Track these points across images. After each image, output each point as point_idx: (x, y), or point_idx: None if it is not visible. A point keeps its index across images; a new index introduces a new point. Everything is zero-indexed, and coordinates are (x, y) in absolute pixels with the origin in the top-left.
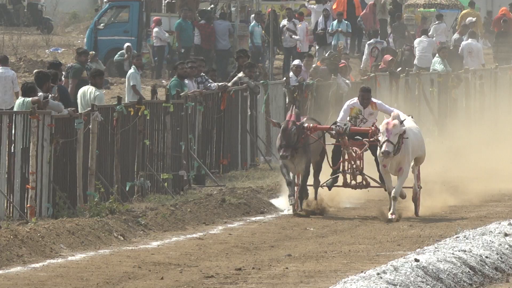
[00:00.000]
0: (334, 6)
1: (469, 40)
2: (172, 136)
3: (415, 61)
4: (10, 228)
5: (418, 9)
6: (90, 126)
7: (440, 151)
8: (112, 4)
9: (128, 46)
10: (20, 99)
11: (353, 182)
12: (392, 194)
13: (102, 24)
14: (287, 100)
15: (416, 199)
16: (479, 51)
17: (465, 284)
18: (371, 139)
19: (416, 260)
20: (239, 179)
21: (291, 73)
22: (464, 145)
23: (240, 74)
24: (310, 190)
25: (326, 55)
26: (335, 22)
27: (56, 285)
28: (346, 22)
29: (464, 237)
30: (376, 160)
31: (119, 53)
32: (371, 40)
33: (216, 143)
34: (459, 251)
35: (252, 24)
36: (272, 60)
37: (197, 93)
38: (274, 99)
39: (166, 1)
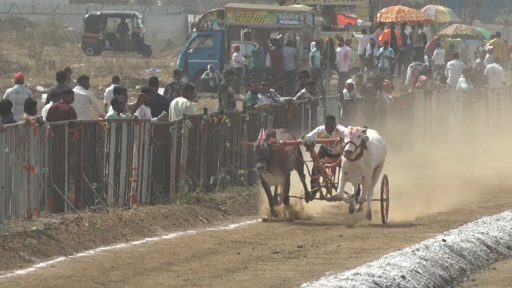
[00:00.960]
0: (380, 38)
1: (493, 64)
2: (248, 140)
3: (448, 80)
4: (116, 213)
5: (448, 39)
6: (182, 131)
7: (466, 151)
8: (200, 33)
9: (210, 66)
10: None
11: (329, 196)
12: (359, 200)
13: (191, 49)
14: (341, 112)
15: (382, 206)
16: (500, 72)
17: (483, 259)
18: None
19: (444, 240)
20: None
21: (344, 90)
22: (484, 148)
23: (303, 90)
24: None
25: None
26: (381, 49)
27: (153, 258)
28: (390, 49)
29: (483, 222)
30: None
31: (205, 72)
32: (412, 63)
33: None
34: (478, 233)
35: (312, 50)
36: (328, 79)
37: (267, 105)
38: (331, 111)
39: (244, 31)
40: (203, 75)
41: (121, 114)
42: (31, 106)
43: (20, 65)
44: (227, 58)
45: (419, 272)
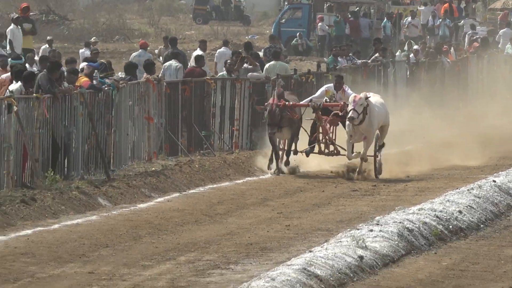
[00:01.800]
0: (442, 11)
1: None
2: None
3: (499, 45)
4: (221, 156)
5: (497, 12)
6: (276, 89)
7: None
8: (290, 6)
9: (299, 33)
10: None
11: (326, 151)
12: (360, 156)
13: (283, 20)
14: (407, 72)
15: (376, 162)
16: None
17: None
18: (341, 113)
19: (494, 181)
20: None
21: (411, 54)
22: None
23: (376, 55)
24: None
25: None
26: (441, 19)
27: (252, 194)
28: (448, 20)
29: None
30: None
31: (295, 39)
32: (470, 31)
33: None
34: None
35: (384, 20)
36: (397, 45)
37: (347, 67)
38: (399, 71)
39: (327, 5)
40: (293, 41)
41: (232, 74)
42: (150, 67)
43: (141, 32)
44: (313, 27)
45: (473, 208)
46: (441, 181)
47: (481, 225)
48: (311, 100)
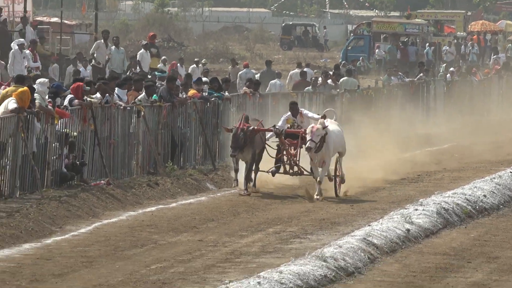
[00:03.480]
0: (470, 41)
1: None
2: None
3: None
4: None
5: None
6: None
7: None
8: (355, 36)
9: (362, 57)
10: None
11: (291, 171)
12: (318, 179)
13: (350, 47)
14: (444, 88)
15: (335, 183)
16: None
17: None
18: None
19: (510, 172)
20: None
21: (448, 75)
22: None
23: (421, 74)
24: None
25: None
26: (471, 48)
27: (325, 182)
28: (476, 48)
29: None
30: None
31: (358, 62)
32: (494, 56)
33: None
34: None
35: (427, 48)
36: (438, 68)
37: (398, 84)
38: (438, 88)
39: (383, 36)
40: (357, 63)
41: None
42: (252, 82)
43: (240, 56)
44: (372, 53)
45: (495, 193)
46: (470, 172)
47: (501, 206)
48: (274, 126)
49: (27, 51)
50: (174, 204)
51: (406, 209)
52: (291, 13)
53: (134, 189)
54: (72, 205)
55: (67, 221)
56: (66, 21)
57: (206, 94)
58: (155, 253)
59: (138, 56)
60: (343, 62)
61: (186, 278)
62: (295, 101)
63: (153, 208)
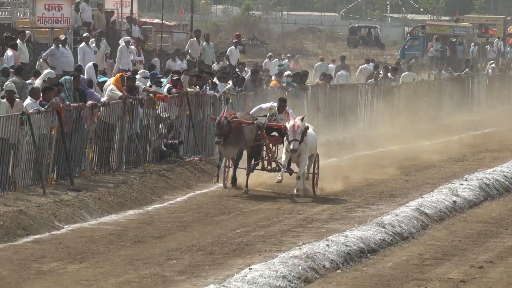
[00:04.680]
0: (510, 41)
1: None
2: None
3: None
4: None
5: None
6: (401, 90)
7: None
8: (411, 37)
9: (416, 55)
10: None
11: (269, 167)
12: (297, 175)
13: (406, 46)
14: (487, 81)
15: (313, 181)
16: None
17: None
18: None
19: None
20: None
21: (489, 70)
22: None
23: (467, 69)
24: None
25: None
26: (509, 48)
27: (385, 160)
28: None
29: None
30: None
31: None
32: None
33: None
34: None
35: (472, 47)
36: (481, 64)
37: (448, 77)
38: (482, 81)
39: (435, 36)
40: (412, 61)
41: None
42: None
43: (313, 53)
44: (426, 51)
45: None
46: (508, 153)
47: None
48: (255, 119)
49: (133, 47)
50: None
51: (453, 183)
52: (357, 16)
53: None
54: (169, 178)
55: (165, 191)
56: (166, 22)
57: (285, 84)
58: (240, 219)
59: (228, 51)
60: (402, 59)
61: (265, 240)
62: (285, 98)
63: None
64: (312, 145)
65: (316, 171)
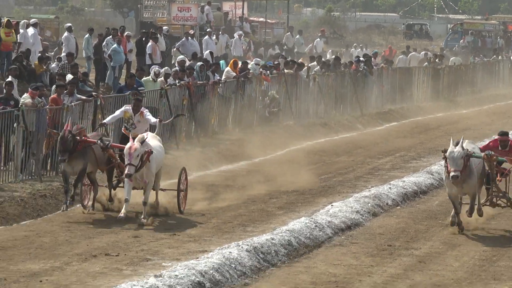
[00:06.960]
0: None
1: None
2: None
3: None
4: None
5: None
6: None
7: None
8: (452, 31)
9: (456, 45)
10: None
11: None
12: (143, 200)
13: (449, 38)
14: (510, 65)
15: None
16: None
17: None
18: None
19: None
20: None
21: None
22: None
23: (494, 56)
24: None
25: None
26: None
27: (419, 146)
28: None
29: None
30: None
31: (454, 48)
32: None
33: None
34: None
35: (499, 39)
36: (506, 53)
37: (480, 62)
38: (507, 66)
39: (470, 31)
40: (454, 48)
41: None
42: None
43: (378, 43)
44: (463, 41)
45: None
46: None
47: None
48: (100, 139)
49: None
50: (336, 137)
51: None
52: (412, 16)
53: (311, 127)
54: (271, 137)
55: (268, 147)
56: (268, 20)
57: (362, 69)
58: (323, 169)
59: (314, 42)
60: (445, 48)
61: (343, 184)
62: (140, 98)
63: (322, 140)
64: (159, 162)
65: (182, 188)
